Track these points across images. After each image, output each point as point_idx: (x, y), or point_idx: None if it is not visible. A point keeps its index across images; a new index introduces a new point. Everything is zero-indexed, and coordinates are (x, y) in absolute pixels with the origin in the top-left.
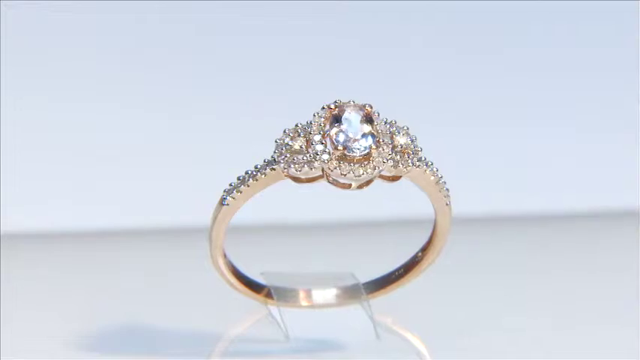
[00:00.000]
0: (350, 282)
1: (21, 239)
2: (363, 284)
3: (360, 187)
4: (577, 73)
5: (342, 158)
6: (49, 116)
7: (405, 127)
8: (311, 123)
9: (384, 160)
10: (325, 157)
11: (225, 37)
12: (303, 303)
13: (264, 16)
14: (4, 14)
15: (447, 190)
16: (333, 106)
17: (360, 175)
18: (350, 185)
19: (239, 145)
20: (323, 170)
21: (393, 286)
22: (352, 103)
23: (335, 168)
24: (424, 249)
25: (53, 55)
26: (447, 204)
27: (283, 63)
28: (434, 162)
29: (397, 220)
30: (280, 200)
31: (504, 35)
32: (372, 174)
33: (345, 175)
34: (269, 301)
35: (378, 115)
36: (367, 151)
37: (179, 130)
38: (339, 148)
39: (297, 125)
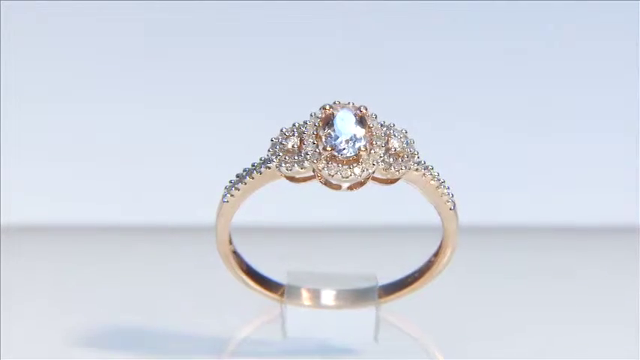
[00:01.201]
0: (367, 284)
1: (24, 233)
2: (378, 287)
3: (350, 188)
4: (585, 83)
5: (331, 159)
6: (55, 113)
7: (403, 131)
8: (306, 123)
9: (374, 163)
10: (314, 157)
11: (233, 36)
12: (306, 302)
13: (270, 15)
14: (4, 14)
15: (451, 195)
16: (327, 107)
17: (347, 177)
18: (340, 186)
19: (249, 141)
20: (314, 170)
21: (407, 290)
22: (349, 104)
23: (323, 168)
24: (436, 254)
25: (56, 54)
26: (450, 209)
27: (291, 62)
28: (444, 171)
29: (427, 225)
30: (312, 203)
31: (513, 40)
32: (360, 175)
33: (332, 175)
34: (283, 300)
35: (376, 118)
36: (356, 152)
37: (190, 125)
38: (327, 148)
39: (294, 125)
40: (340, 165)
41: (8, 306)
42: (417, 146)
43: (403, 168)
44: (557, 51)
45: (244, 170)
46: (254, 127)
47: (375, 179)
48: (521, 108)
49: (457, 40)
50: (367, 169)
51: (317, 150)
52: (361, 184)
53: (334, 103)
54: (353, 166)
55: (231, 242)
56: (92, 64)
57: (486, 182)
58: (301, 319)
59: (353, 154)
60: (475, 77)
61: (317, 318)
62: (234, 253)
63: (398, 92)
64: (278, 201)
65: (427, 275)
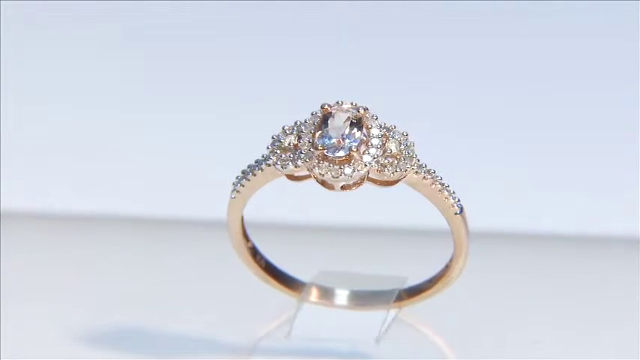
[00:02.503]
0: (387, 287)
1: (25, 223)
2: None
3: (344, 188)
4: (587, 84)
5: (323, 158)
6: (59, 109)
7: (404, 133)
8: (306, 121)
9: (366, 164)
10: (308, 155)
11: (238, 35)
12: (314, 300)
13: (284, 13)
14: (4, 12)
15: (457, 199)
16: (327, 106)
17: (337, 176)
18: (334, 186)
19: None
20: (308, 169)
21: (424, 295)
22: (350, 104)
23: (314, 167)
24: (452, 259)
25: (59, 51)
26: (455, 213)
27: (302, 61)
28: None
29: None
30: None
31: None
32: (350, 176)
33: (323, 175)
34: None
35: (376, 119)
36: (347, 152)
37: (206, 121)
38: (319, 147)
39: (295, 123)
40: (331, 165)
41: (8, 301)
42: (424, 150)
43: (398, 170)
44: (558, 52)
45: (248, 166)
46: (271, 120)
47: (371, 180)
48: (522, 110)
49: (465, 40)
50: (358, 170)
51: (311, 149)
52: (356, 184)
53: (336, 102)
54: (344, 167)
55: (248, 239)
56: (94, 61)
57: (495, 187)
58: (309, 318)
59: (344, 154)
60: (475, 79)
61: (325, 318)
62: (252, 249)
63: (402, 94)
64: (320, 200)
65: (443, 281)
